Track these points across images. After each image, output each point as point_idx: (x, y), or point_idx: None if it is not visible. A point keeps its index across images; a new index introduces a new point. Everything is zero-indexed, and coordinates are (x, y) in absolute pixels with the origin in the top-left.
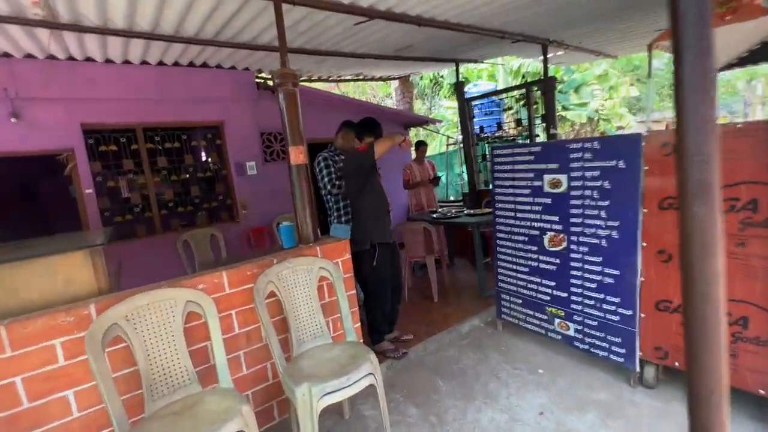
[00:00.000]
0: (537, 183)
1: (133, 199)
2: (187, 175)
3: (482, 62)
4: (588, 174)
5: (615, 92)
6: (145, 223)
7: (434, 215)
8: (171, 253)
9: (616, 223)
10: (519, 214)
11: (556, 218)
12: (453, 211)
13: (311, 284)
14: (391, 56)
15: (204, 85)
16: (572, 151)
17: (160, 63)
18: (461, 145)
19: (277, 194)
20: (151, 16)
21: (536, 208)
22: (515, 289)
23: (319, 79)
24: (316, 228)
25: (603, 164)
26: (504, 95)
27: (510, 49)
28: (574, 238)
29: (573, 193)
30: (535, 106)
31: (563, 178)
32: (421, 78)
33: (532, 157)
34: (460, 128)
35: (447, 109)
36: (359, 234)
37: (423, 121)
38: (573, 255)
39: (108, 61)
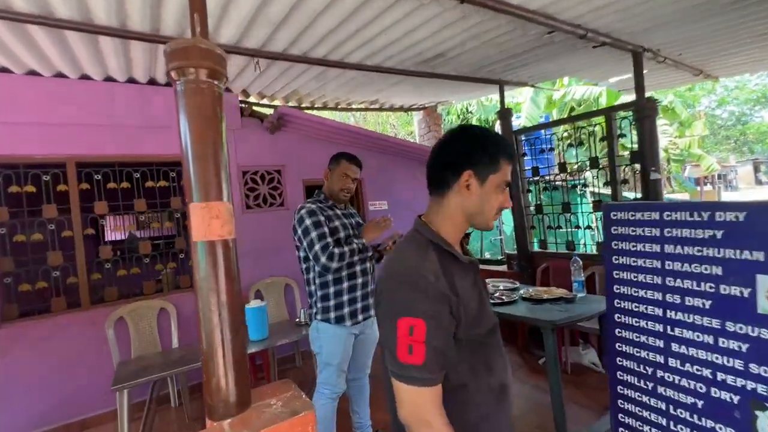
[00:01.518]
0: (733, 290)
1: (52, 259)
2: (136, 227)
3: (533, 86)
4: None
5: (688, 129)
6: (67, 293)
7: None
8: (98, 336)
9: None
10: (679, 348)
11: None
12: (501, 287)
13: None
14: (415, 72)
15: (168, 108)
16: None
17: (109, 78)
18: None
19: (260, 251)
20: None
21: (731, 344)
22: None
23: (325, 107)
24: (245, 380)
25: None
26: (564, 126)
27: (581, 62)
28: None
29: None
30: (620, 140)
31: None
32: (448, 113)
33: (715, 233)
34: None
35: None
36: None
37: None
38: None
39: (32, 72)
